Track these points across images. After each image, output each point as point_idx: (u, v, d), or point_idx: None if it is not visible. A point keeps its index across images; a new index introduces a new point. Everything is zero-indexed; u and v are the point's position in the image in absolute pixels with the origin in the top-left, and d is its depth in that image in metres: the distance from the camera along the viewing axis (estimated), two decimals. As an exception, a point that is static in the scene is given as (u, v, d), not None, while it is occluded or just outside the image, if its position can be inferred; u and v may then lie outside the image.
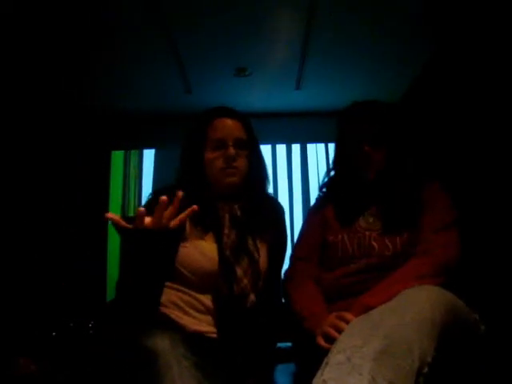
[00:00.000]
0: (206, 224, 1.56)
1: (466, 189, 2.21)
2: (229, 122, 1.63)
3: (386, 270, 1.48)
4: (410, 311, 1.11)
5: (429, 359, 1.03)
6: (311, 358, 1.29)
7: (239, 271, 1.52)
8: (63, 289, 3.14)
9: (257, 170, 1.69)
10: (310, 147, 3.88)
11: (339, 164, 1.78)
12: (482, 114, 2.27)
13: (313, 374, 1.05)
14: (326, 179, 1.87)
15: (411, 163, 1.66)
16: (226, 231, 1.57)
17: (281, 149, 3.89)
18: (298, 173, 3.84)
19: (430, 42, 2.65)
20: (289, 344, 1.73)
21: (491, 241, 2.08)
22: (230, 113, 1.67)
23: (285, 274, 1.75)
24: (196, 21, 2.51)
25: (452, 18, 2.38)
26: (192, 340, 1.29)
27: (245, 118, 1.68)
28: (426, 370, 1.02)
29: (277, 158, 3.85)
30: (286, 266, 1.75)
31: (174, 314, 1.46)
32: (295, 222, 3.71)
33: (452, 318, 1.16)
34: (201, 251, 1.51)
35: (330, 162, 1.87)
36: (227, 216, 1.60)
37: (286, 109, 3.72)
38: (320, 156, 3.86)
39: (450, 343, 1.13)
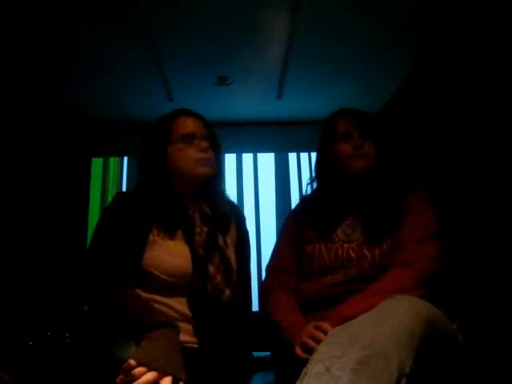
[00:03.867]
0: (175, 224, 1.57)
1: (450, 199, 2.22)
2: (194, 119, 1.70)
3: (365, 281, 1.49)
4: (389, 322, 1.11)
5: (407, 370, 1.03)
6: (289, 367, 1.29)
7: (211, 269, 1.54)
8: (41, 297, 3.10)
9: (219, 170, 1.76)
10: (291, 156, 3.90)
11: (323, 167, 1.79)
12: (467, 121, 2.29)
13: (291, 384, 1.05)
14: (307, 189, 1.88)
15: (393, 170, 1.68)
16: (198, 230, 1.59)
17: (262, 157, 3.89)
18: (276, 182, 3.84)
19: (413, 52, 2.68)
20: (267, 353, 1.72)
21: (472, 251, 2.09)
22: (193, 113, 1.74)
23: (261, 285, 1.75)
24: (178, 29, 2.50)
25: (438, 25, 2.39)
26: None
27: (206, 120, 1.75)
28: (404, 381, 1.02)
29: (258, 166, 3.85)
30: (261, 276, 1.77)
31: None
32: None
33: (431, 329, 1.16)
34: (172, 252, 1.51)
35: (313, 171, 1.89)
36: (197, 214, 1.63)
37: (267, 118, 3.71)
38: (304, 165, 3.86)
39: (428, 354, 1.13)
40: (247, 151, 3.80)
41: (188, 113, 1.73)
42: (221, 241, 1.63)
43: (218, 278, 1.54)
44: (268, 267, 1.77)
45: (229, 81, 3.08)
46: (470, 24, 2.22)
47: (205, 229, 1.60)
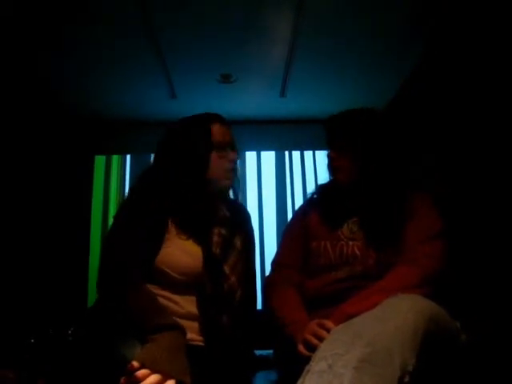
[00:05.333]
0: (195, 224, 1.56)
1: (450, 199, 2.22)
2: (227, 127, 1.71)
3: (370, 278, 1.48)
4: (393, 320, 1.11)
5: (410, 368, 1.03)
6: (292, 365, 1.29)
7: (227, 269, 1.55)
8: (43, 294, 3.11)
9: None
10: (295, 154, 3.89)
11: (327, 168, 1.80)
12: (468, 121, 2.28)
13: (294, 382, 1.05)
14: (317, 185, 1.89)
15: (392, 172, 1.66)
16: (216, 230, 1.59)
17: (265, 156, 3.89)
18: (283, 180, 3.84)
19: (416, 50, 2.67)
20: (270, 351, 1.72)
21: (475, 251, 2.09)
22: (225, 120, 1.73)
23: (266, 280, 1.75)
24: (182, 27, 2.50)
25: (439, 26, 2.39)
26: None
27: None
28: (407, 379, 1.01)
29: (261, 165, 3.84)
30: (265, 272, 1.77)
31: None
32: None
33: (434, 327, 1.15)
34: (184, 250, 1.51)
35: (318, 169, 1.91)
36: (217, 216, 1.63)
37: (270, 116, 3.72)
38: (308, 163, 3.86)
39: (431, 352, 1.13)
40: (251, 149, 3.80)
41: (222, 120, 1.72)
42: (237, 242, 1.64)
43: (233, 278, 1.55)
44: (273, 262, 1.77)
45: (232, 78, 3.08)
46: (470, 23, 2.21)
47: (223, 230, 1.60)
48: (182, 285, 1.49)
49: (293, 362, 1.31)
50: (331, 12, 2.37)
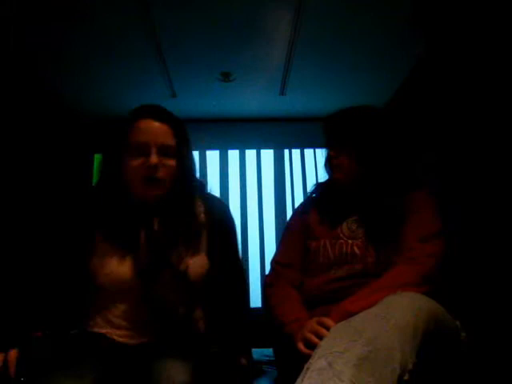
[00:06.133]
0: (118, 239, 1.42)
1: (454, 198, 2.22)
2: (153, 125, 1.45)
3: (369, 277, 1.48)
4: (393, 318, 1.11)
5: (410, 366, 1.03)
6: (292, 363, 1.29)
7: (161, 288, 1.40)
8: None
9: (185, 180, 1.51)
10: (295, 153, 3.89)
11: (325, 166, 1.79)
12: (468, 120, 2.28)
13: (293, 380, 1.05)
14: (316, 184, 1.88)
15: (392, 170, 1.65)
16: (142, 247, 1.42)
17: (265, 154, 3.89)
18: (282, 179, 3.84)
19: (415, 50, 2.67)
20: (269, 349, 1.72)
21: (474, 250, 2.09)
22: (157, 114, 1.48)
23: (265, 279, 1.74)
24: (181, 25, 2.50)
25: (439, 26, 2.39)
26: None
27: (175, 122, 1.50)
28: (406, 376, 1.02)
29: (261, 163, 3.85)
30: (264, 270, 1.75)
31: (116, 334, 1.40)
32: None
33: (434, 325, 1.16)
34: (115, 260, 1.40)
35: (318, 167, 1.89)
36: (142, 231, 1.45)
37: (270, 114, 3.72)
38: (308, 161, 3.86)
39: (431, 350, 1.13)
40: (250, 147, 3.80)
41: (148, 115, 1.47)
42: (174, 256, 1.42)
43: (171, 296, 1.42)
44: (273, 261, 1.76)
45: (232, 77, 3.08)
46: (470, 23, 2.21)
47: (149, 246, 1.42)
48: (120, 295, 1.41)
49: (292, 360, 1.31)
50: (330, 12, 2.37)
